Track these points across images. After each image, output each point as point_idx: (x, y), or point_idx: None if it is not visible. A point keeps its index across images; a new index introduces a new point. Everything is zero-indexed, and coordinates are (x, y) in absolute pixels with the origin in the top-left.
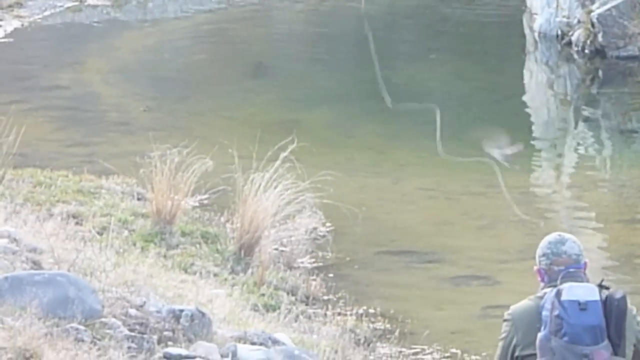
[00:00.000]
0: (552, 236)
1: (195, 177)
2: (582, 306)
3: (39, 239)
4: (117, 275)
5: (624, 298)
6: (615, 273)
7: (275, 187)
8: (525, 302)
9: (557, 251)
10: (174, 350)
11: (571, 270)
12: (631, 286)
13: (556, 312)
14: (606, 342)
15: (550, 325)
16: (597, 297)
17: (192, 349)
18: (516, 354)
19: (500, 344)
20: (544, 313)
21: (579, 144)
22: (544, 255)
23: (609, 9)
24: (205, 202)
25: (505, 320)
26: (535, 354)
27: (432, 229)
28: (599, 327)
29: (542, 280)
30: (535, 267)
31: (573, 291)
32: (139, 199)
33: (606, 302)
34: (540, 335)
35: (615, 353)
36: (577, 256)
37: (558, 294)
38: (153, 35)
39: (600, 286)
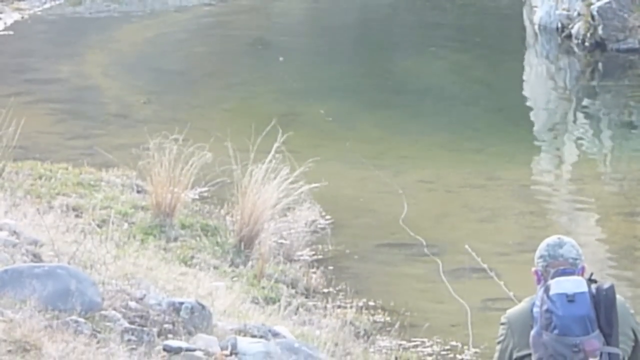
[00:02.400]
0: (551, 239)
1: (194, 170)
2: (570, 298)
3: (39, 232)
4: (117, 268)
5: (611, 288)
6: (615, 266)
7: (275, 179)
8: (520, 305)
9: (554, 254)
10: (174, 342)
11: (561, 268)
12: (631, 279)
13: (545, 307)
14: (597, 332)
15: (540, 321)
16: (584, 289)
17: (192, 341)
18: (513, 356)
19: (498, 347)
20: (535, 310)
21: (578, 137)
22: (541, 257)
23: (609, 2)
24: (205, 194)
25: (501, 324)
26: (530, 354)
27: (432, 222)
28: (588, 317)
29: (539, 282)
30: (533, 269)
31: (560, 285)
32: (138, 192)
33: (595, 294)
34: (532, 332)
35: (607, 343)
36: (574, 260)
37: (546, 289)
38: (153, 28)
39: (590, 280)
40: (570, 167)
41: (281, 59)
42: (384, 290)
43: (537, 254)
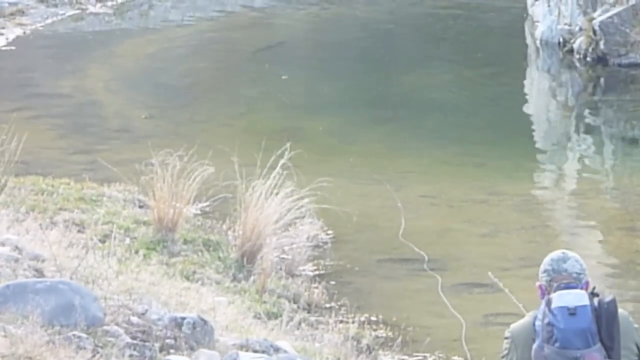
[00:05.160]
0: (556, 253)
1: (196, 185)
2: (571, 311)
3: (41, 247)
4: (119, 283)
5: (613, 301)
6: (617, 280)
7: (277, 194)
8: (524, 319)
9: (558, 268)
10: (175, 358)
11: (565, 283)
12: (633, 293)
13: (547, 320)
14: (598, 345)
15: (542, 334)
16: (586, 302)
17: (194, 356)
18: None
19: None
20: (537, 323)
21: (580, 152)
22: (545, 271)
23: (610, 17)
24: (207, 209)
25: (505, 338)
26: None
27: (434, 237)
28: (589, 331)
29: (542, 296)
30: (537, 283)
31: (562, 298)
32: (140, 207)
33: (596, 307)
34: (534, 345)
35: (608, 356)
36: (577, 275)
37: (548, 302)
38: (155, 43)
39: (592, 293)
40: (572, 182)
41: (284, 76)
42: (386, 305)
43: (542, 268)
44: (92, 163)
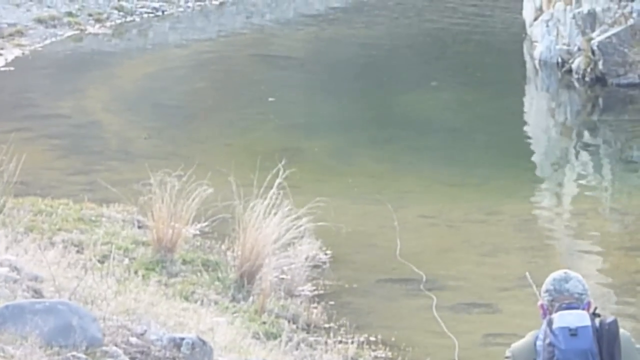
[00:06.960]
0: (558, 273)
1: (195, 205)
2: (572, 332)
3: (39, 268)
4: (118, 304)
5: (614, 322)
6: (617, 300)
7: (276, 214)
8: (524, 339)
9: (560, 288)
10: None
11: (566, 303)
12: (633, 313)
13: (548, 340)
14: None
15: (543, 354)
16: (587, 323)
17: None
18: None
19: None
20: (538, 343)
21: (579, 172)
22: (547, 291)
23: (609, 37)
24: (206, 229)
25: (506, 358)
26: None
27: (433, 257)
28: (590, 351)
29: (544, 316)
30: (539, 303)
31: (564, 318)
32: (139, 227)
33: (598, 328)
34: None
35: None
36: (579, 295)
37: (550, 322)
38: (154, 64)
39: (594, 314)
40: (571, 202)
41: (271, 99)
42: (385, 325)
43: (543, 287)
44: (91, 184)
